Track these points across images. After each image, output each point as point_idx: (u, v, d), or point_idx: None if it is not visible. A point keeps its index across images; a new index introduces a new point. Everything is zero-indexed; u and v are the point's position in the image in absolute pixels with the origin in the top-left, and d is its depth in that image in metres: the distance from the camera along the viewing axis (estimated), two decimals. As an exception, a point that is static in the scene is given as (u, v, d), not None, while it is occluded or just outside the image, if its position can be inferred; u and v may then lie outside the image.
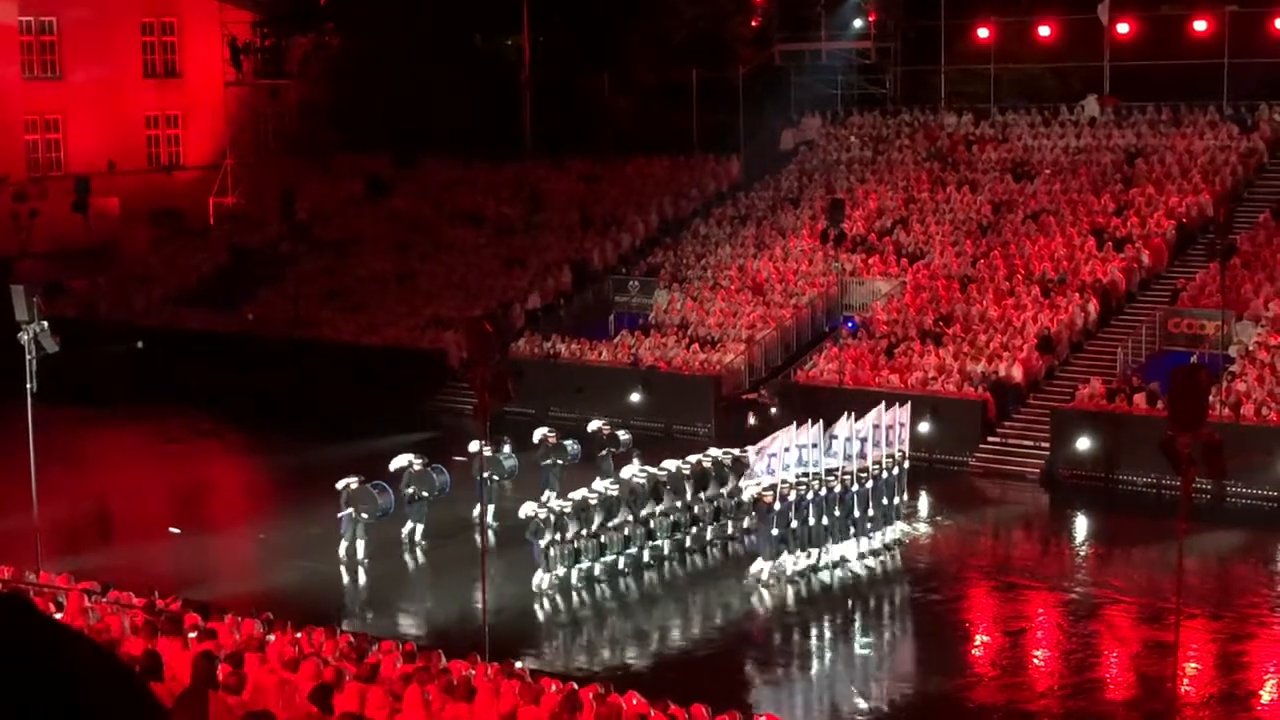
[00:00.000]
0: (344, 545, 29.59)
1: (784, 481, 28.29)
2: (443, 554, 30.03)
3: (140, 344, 49.66)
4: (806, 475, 28.58)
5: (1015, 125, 50.50)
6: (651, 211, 52.19)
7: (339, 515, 29.58)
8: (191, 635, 18.55)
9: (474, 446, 31.02)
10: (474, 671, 18.98)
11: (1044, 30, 50.95)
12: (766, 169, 52.91)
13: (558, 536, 27.72)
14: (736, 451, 31.06)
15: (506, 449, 32.71)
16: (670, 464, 30.35)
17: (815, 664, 25.80)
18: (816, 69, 54.44)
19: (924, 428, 37.36)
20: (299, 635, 20.50)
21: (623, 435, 34.06)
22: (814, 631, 27.01)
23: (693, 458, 30.69)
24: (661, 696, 18.69)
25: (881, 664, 25.39)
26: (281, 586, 28.33)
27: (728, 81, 54.64)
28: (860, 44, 53.80)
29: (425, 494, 30.57)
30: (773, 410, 39.78)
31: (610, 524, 28.45)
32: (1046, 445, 36.46)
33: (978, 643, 26.58)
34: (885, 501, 30.05)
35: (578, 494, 28.99)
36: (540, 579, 27.69)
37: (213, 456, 41.76)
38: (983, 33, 52.01)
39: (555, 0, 58.36)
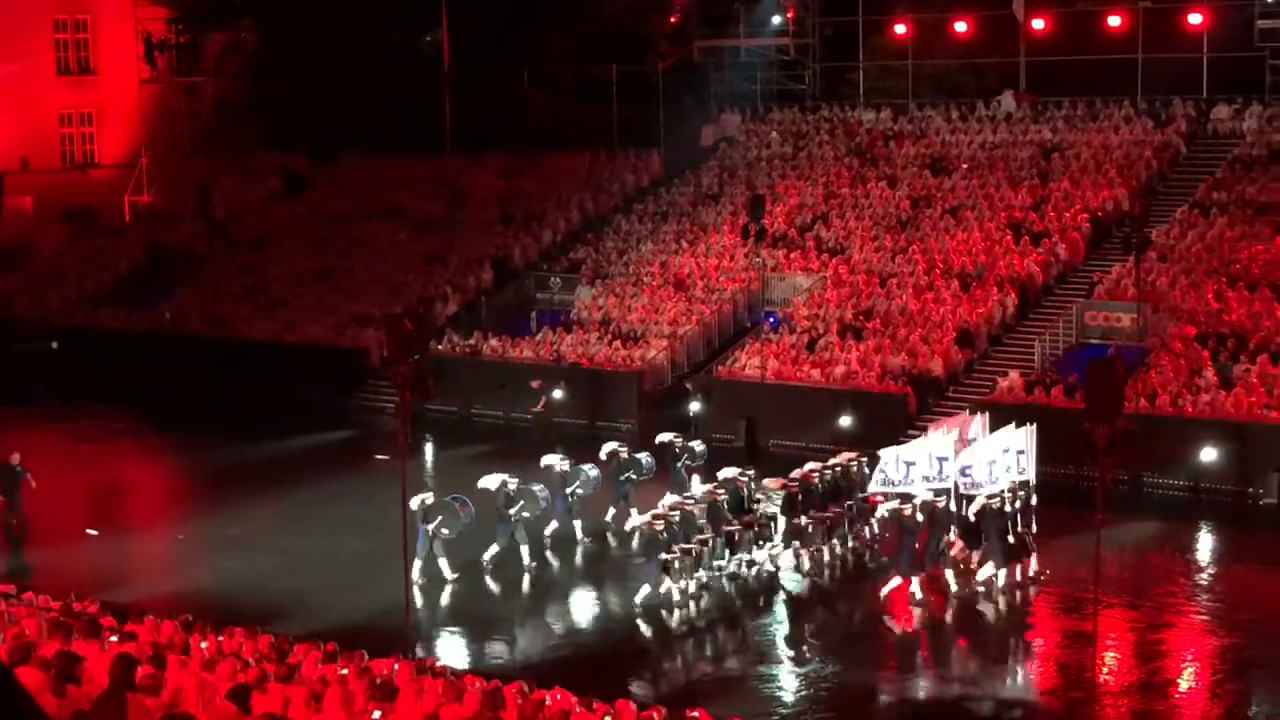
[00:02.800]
0: (418, 564, 28.12)
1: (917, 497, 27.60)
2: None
3: (55, 344, 49.07)
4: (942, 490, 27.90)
5: (933, 121, 50.85)
6: (572, 207, 52.13)
7: (420, 530, 28.29)
8: (112, 639, 18.31)
9: (551, 460, 30.99)
10: (396, 670, 18.87)
11: (960, 26, 51.32)
12: (687, 165, 53.00)
13: (675, 549, 27.15)
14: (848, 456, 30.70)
15: (588, 464, 31.54)
16: (771, 482, 29.59)
17: (735, 659, 25.84)
18: (736, 65, 54.58)
19: (845, 422, 37.61)
20: (220, 638, 20.31)
21: (697, 446, 33.11)
22: (730, 629, 27.10)
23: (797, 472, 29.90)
24: (587, 692, 18.69)
25: (810, 652, 25.43)
26: (201, 587, 28.04)
27: (647, 77, 54.70)
28: (779, 40, 53.97)
29: (526, 513, 29.43)
30: (691, 406, 39.86)
31: (699, 537, 27.82)
32: (966, 438, 36.70)
33: (903, 634, 26.70)
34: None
35: (668, 502, 28.95)
36: (652, 593, 27.13)
37: (130, 456, 41.28)
38: (900, 29, 52.35)
39: (473, -3, 58.19)
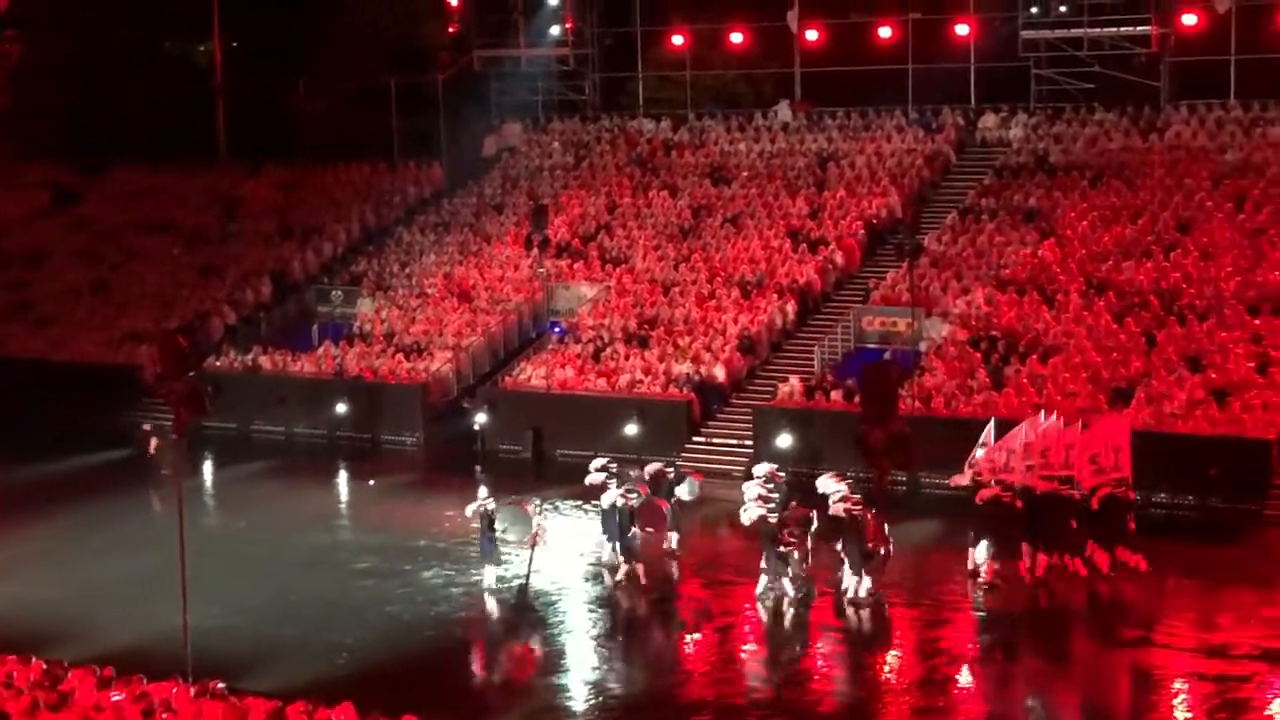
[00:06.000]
0: (493, 571, 28.24)
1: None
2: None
3: None
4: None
5: (712, 130, 51.40)
6: (353, 219, 51.53)
7: (485, 539, 28.28)
8: None
9: (599, 478, 30.19)
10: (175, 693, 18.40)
11: (736, 37, 51.98)
12: (469, 175, 52.78)
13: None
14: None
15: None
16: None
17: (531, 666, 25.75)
18: (516, 75, 54.48)
19: (631, 430, 37.78)
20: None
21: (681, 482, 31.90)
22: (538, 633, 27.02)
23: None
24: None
25: (597, 664, 25.45)
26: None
27: (427, 87, 54.33)
28: (559, 51, 54.02)
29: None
30: (477, 418, 39.67)
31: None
32: (750, 443, 37.18)
33: (688, 640, 26.89)
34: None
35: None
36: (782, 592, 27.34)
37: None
38: (677, 40, 52.81)
39: (247, 5, 57.14)
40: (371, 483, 37.68)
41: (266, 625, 27.15)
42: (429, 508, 35.06)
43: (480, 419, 39.74)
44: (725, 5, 52.45)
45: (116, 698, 18.25)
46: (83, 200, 56.21)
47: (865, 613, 27.15)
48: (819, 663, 25.73)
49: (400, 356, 42.65)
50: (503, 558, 28.89)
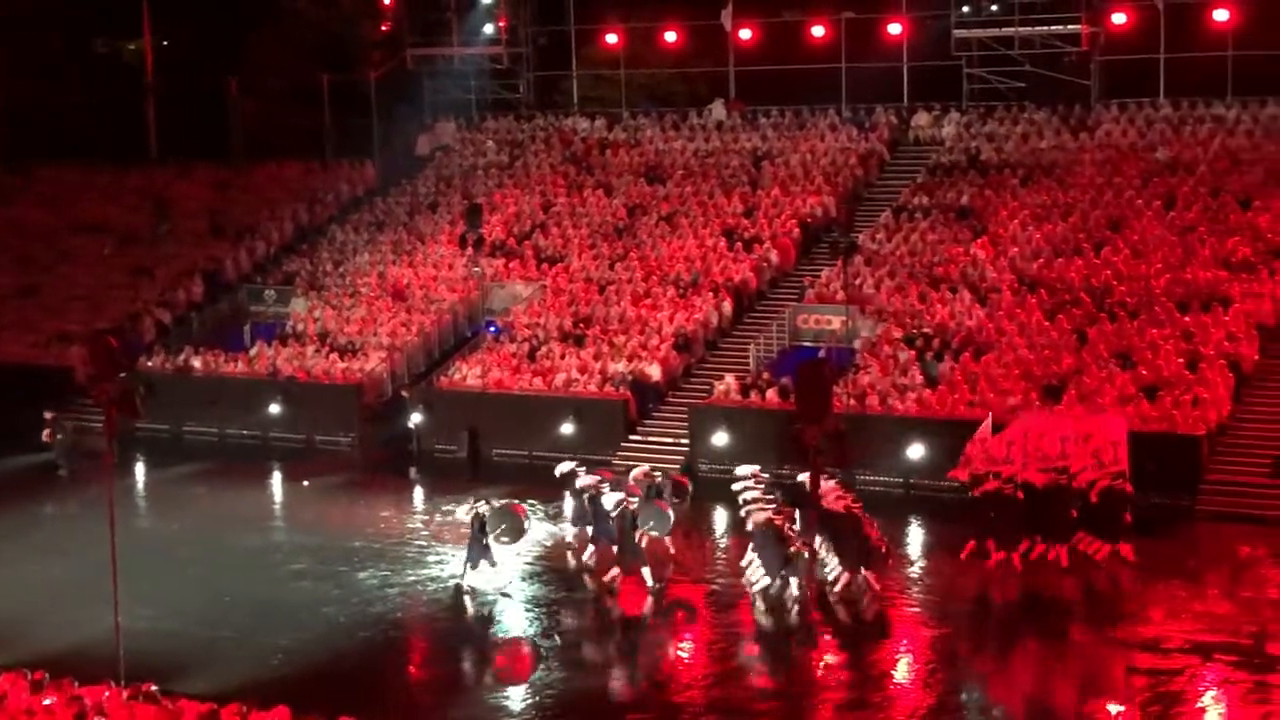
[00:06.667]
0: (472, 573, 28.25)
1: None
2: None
3: None
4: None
5: (646, 129, 51.44)
6: (286, 218, 51.20)
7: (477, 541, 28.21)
8: None
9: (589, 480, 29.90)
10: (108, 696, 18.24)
11: (670, 36, 52.05)
12: (403, 174, 52.56)
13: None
14: None
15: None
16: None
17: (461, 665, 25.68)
18: (450, 73, 54.32)
19: (567, 430, 37.75)
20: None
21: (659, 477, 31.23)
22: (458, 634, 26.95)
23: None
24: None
25: (535, 664, 25.40)
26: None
27: (359, 85, 54.10)
28: (492, 49, 53.88)
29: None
30: (412, 417, 39.54)
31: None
32: (686, 441, 37.23)
33: (622, 638, 26.89)
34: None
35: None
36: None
37: None
38: (611, 38, 52.82)
39: (178, 4, 56.65)
40: (306, 484, 37.46)
41: (200, 627, 26.92)
42: (364, 508, 34.96)
43: (415, 419, 39.59)
44: (659, 4, 52.50)
45: (48, 701, 18.08)
46: (11, 201, 55.54)
47: (841, 609, 27.24)
48: (752, 660, 25.78)
49: (335, 356, 42.40)
50: (494, 561, 28.61)
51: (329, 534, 32.59)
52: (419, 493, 37.22)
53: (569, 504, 30.91)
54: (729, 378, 38.30)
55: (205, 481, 37.88)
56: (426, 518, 34.36)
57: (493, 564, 28.68)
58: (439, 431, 39.52)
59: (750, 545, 28.30)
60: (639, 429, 38.41)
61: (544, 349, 40.81)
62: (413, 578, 29.29)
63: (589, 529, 29.93)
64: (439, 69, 54.37)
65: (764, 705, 23.54)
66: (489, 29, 53.87)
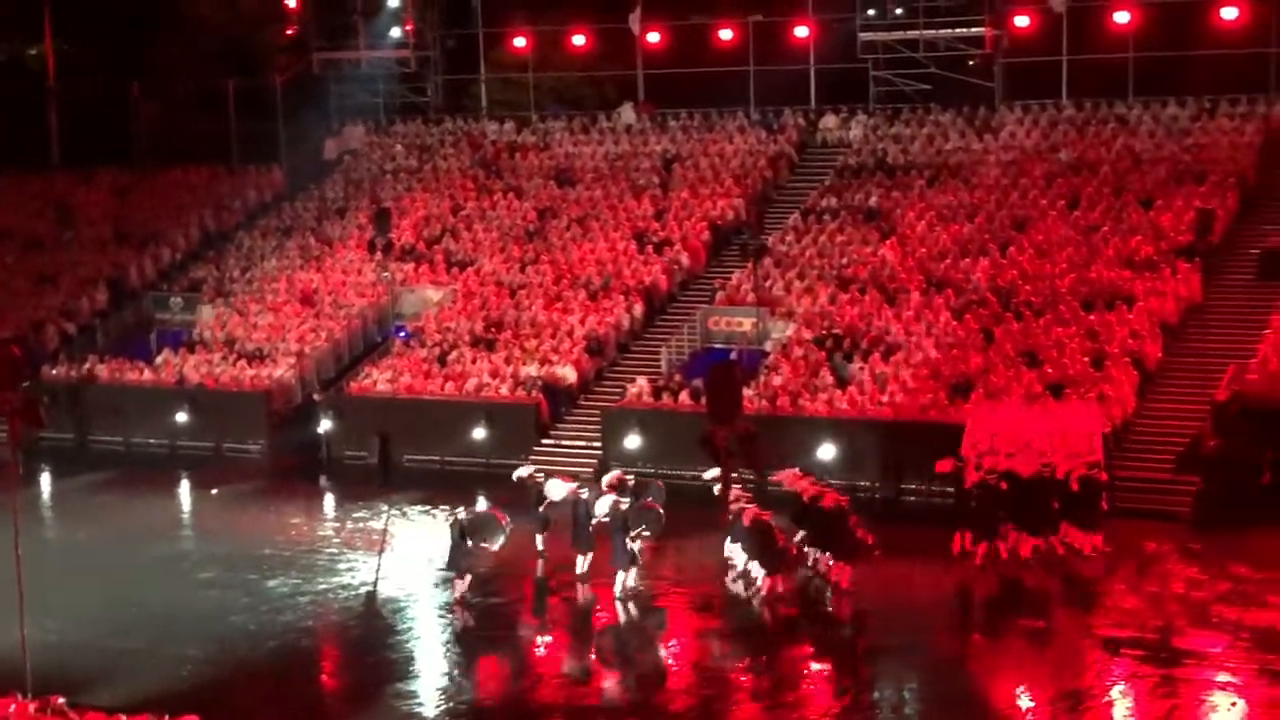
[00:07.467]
0: (461, 584, 27.81)
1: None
2: None
3: None
4: None
5: (556, 132, 51.43)
6: (192, 224, 50.70)
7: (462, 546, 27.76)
8: None
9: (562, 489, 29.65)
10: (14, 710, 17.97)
11: (578, 39, 52.05)
12: (310, 179, 52.23)
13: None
14: None
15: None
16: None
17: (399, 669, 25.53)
18: (357, 77, 54.05)
19: (479, 434, 37.64)
20: None
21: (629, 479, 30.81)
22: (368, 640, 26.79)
23: None
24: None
25: (447, 670, 25.31)
26: None
27: (266, 90, 53.65)
28: (400, 53, 53.65)
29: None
30: (322, 423, 39.26)
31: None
32: (599, 444, 37.22)
33: (540, 644, 26.85)
34: None
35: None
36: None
37: None
38: (519, 41, 52.75)
39: (79, 8, 55.92)
40: (215, 492, 37.09)
41: (108, 638, 26.56)
42: (274, 516, 34.68)
43: (325, 425, 39.31)
44: (567, 7, 52.49)
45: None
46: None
47: (714, 610, 27.30)
48: (671, 661, 25.83)
49: (242, 363, 42.02)
50: (474, 568, 28.32)
51: (238, 542, 32.27)
52: (329, 500, 36.98)
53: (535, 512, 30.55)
54: (641, 380, 38.34)
55: (112, 491, 37.42)
56: (337, 525, 34.16)
57: (469, 571, 28.21)
58: (349, 438, 39.27)
59: (730, 537, 28.36)
60: (551, 433, 38.37)
61: (455, 353, 40.66)
62: (324, 585, 29.07)
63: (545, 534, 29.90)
64: (346, 73, 54.07)
65: (679, 706, 23.59)
66: (396, 32, 53.65)
